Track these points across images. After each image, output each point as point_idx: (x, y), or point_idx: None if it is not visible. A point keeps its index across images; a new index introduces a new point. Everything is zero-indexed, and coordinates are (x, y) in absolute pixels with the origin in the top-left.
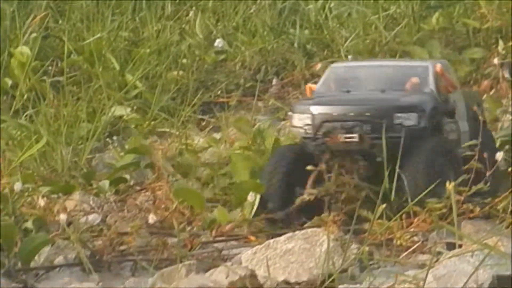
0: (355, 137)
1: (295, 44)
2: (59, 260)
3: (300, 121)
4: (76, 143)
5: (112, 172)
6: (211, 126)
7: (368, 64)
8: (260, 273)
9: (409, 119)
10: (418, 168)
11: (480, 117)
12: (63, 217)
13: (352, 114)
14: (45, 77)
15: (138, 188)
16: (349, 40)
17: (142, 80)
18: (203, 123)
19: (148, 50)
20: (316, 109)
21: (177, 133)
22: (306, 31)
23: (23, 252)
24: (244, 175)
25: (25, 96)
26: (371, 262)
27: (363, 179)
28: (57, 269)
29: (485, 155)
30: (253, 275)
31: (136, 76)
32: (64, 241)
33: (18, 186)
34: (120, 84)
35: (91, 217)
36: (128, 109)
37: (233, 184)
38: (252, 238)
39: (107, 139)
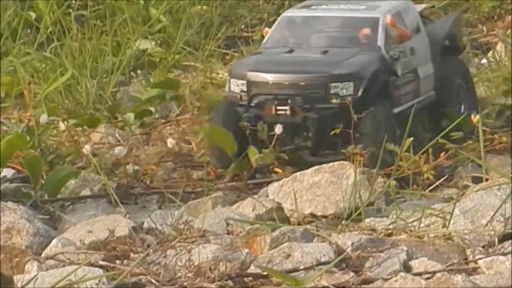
0: (287, 110)
1: None
2: (85, 192)
3: (237, 87)
4: (101, 76)
5: (137, 105)
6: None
7: (318, 14)
8: (287, 206)
9: (345, 89)
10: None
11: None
12: (88, 148)
13: (286, 83)
14: (69, 11)
15: (163, 121)
16: None
17: (166, 14)
18: (227, 57)
19: None
20: (252, 76)
21: (201, 67)
22: None
23: (49, 184)
24: None
25: (50, 30)
26: (398, 196)
27: None
28: (83, 201)
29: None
30: (279, 208)
31: (160, 10)
32: (90, 173)
33: (44, 118)
34: (144, 18)
35: (116, 149)
36: (153, 43)
37: None
38: (279, 170)
39: (132, 73)
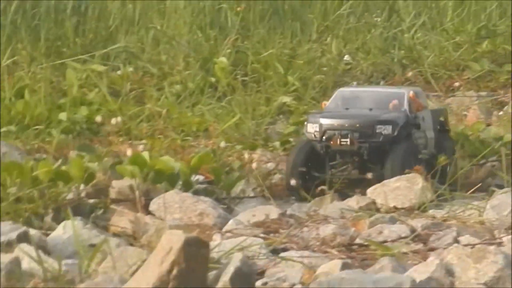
0: (347, 141)
1: (395, 59)
2: (248, 192)
3: (312, 128)
4: (257, 119)
5: (282, 137)
6: None
7: (363, 89)
8: (378, 201)
9: (386, 129)
10: (395, 164)
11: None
12: (254, 164)
13: (346, 125)
14: (237, 76)
15: None
16: (429, 57)
17: (298, 80)
18: None
19: (301, 62)
20: (323, 121)
21: None
22: (402, 51)
23: (226, 185)
24: None
25: (224, 89)
26: (450, 196)
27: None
28: (248, 198)
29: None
30: (373, 202)
31: (294, 77)
32: (252, 179)
33: (222, 144)
34: (284, 82)
35: (268, 164)
36: (290, 98)
37: None
38: None
39: (277, 117)
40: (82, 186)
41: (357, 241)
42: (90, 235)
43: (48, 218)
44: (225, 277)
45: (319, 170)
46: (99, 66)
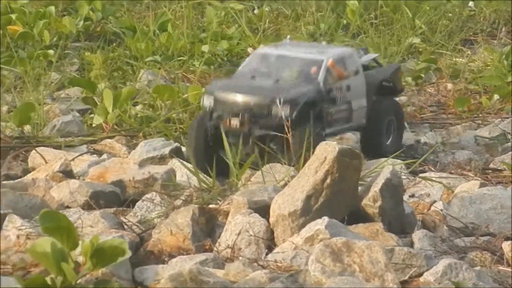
0: (237, 122)
1: None
2: None
3: (207, 101)
4: (389, 56)
5: (413, 72)
6: None
7: (282, 53)
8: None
9: (284, 110)
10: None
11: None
12: None
13: (239, 102)
14: (368, 20)
15: (427, 83)
16: None
17: (425, 24)
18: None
19: (428, 7)
20: (218, 94)
21: (448, 53)
22: None
23: None
24: None
25: (355, 31)
26: None
27: None
28: None
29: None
30: (504, 134)
31: (421, 21)
32: None
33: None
34: (411, 26)
35: (402, 98)
36: (418, 39)
37: None
38: None
39: (405, 57)
40: None
41: (491, 166)
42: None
43: None
44: (375, 188)
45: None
46: (238, 4)
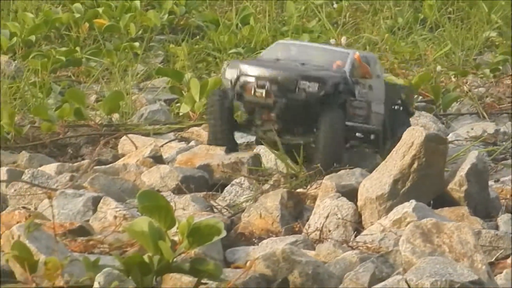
0: (262, 92)
1: None
2: (463, 110)
3: (230, 74)
4: (465, 50)
5: (491, 65)
6: None
7: (304, 44)
8: None
9: (311, 87)
10: (325, 139)
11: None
12: (465, 88)
13: (266, 75)
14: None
15: (505, 75)
16: None
17: (502, 18)
18: None
19: (503, 2)
20: (242, 67)
21: None
22: None
23: (444, 103)
24: None
25: (431, 25)
26: None
27: None
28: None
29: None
30: None
31: (497, 16)
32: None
33: (438, 68)
34: (487, 20)
35: (480, 89)
36: (494, 33)
37: None
38: None
39: (482, 50)
40: None
41: None
42: None
43: None
44: (462, 172)
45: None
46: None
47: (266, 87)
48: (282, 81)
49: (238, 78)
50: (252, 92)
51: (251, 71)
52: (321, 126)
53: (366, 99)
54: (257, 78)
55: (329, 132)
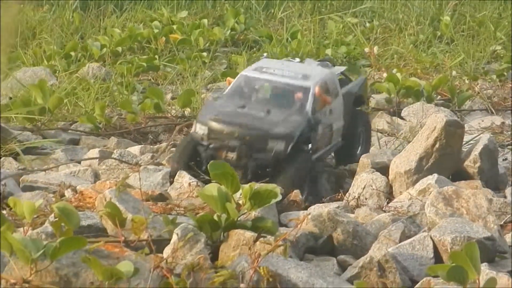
0: (233, 156)
1: None
2: (474, 107)
3: (201, 130)
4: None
5: (497, 71)
6: None
7: (267, 78)
8: None
9: (279, 145)
10: (286, 183)
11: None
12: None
13: (236, 135)
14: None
15: (509, 80)
16: None
17: (505, 35)
18: None
19: (506, 22)
20: (212, 125)
21: None
22: None
23: (459, 101)
24: None
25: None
26: None
27: None
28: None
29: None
30: None
31: (502, 33)
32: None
33: (454, 73)
34: (494, 37)
35: (488, 91)
36: (499, 47)
37: None
38: None
39: (490, 60)
40: None
41: None
42: None
43: None
44: (475, 152)
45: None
46: (353, 19)
47: (236, 150)
48: (252, 142)
49: (209, 138)
50: (224, 155)
51: (221, 131)
52: (286, 169)
53: (328, 123)
54: (228, 138)
55: (294, 175)
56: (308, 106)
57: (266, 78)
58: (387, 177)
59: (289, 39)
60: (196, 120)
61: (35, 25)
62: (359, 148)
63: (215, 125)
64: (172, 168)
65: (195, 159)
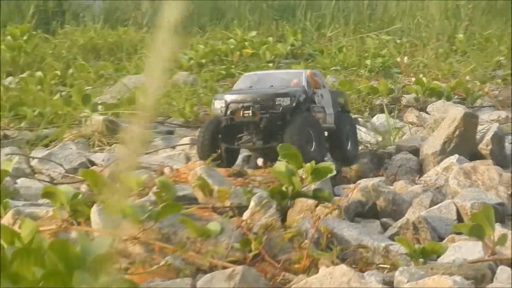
0: (249, 112)
1: None
2: (484, 104)
3: (219, 104)
4: (483, 68)
5: (502, 77)
6: None
7: (266, 72)
8: None
9: (285, 101)
10: (293, 133)
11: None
12: (486, 89)
13: (249, 99)
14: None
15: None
16: None
17: (506, 49)
18: None
19: (509, 39)
20: (228, 97)
21: None
22: None
23: (472, 99)
24: None
25: (461, 54)
26: None
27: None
28: (484, 107)
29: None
30: None
31: (504, 47)
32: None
33: (467, 77)
34: (498, 50)
35: (495, 92)
36: (502, 57)
37: None
38: None
39: (496, 67)
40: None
41: None
42: (393, 122)
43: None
44: (488, 137)
45: (229, 141)
46: (387, 36)
47: (251, 108)
48: (263, 101)
49: (227, 107)
50: (241, 114)
51: (236, 99)
52: (290, 124)
53: (321, 104)
54: (243, 102)
55: (297, 127)
56: (304, 83)
57: (265, 72)
58: (418, 157)
59: (337, 52)
60: (213, 100)
61: (137, 43)
62: (349, 143)
63: (230, 96)
64: (198, 143)
65: (217, 134)
